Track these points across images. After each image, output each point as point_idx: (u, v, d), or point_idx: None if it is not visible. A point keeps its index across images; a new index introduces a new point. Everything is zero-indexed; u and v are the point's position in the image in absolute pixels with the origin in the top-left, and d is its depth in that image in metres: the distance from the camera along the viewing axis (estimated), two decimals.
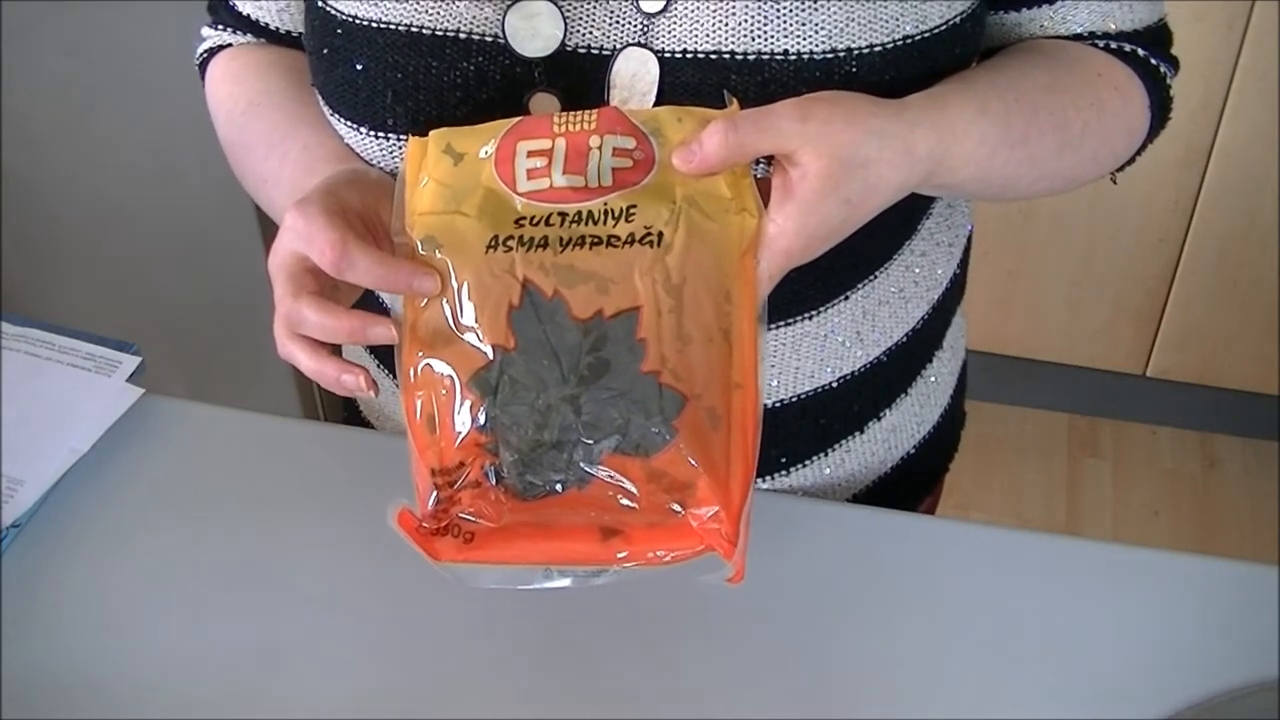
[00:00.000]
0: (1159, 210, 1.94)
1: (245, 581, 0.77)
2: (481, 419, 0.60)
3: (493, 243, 0.61)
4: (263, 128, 0.80)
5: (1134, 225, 1.97)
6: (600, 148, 0.63)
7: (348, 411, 0.99)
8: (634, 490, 0.60)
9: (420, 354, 0.61)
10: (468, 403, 0.60)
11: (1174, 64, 0.82)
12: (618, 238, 0.61)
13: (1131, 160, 0.82)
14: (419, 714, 0.71)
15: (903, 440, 0.89)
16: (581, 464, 0.60)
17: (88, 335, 0.91)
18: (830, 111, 0.62)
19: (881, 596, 0.76)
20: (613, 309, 0.60)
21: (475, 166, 0.63)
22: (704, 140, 0.61)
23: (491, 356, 0.60)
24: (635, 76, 0.69)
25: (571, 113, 0.64)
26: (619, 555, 0.61)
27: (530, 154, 0.63)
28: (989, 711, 0.70)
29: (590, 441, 0.59)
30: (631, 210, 0.61)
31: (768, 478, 0.84)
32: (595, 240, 0.61)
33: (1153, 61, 0.79)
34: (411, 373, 0.61)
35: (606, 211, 0.61)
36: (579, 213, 0.61)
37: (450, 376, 0.60)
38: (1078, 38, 0.78)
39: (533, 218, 0.61)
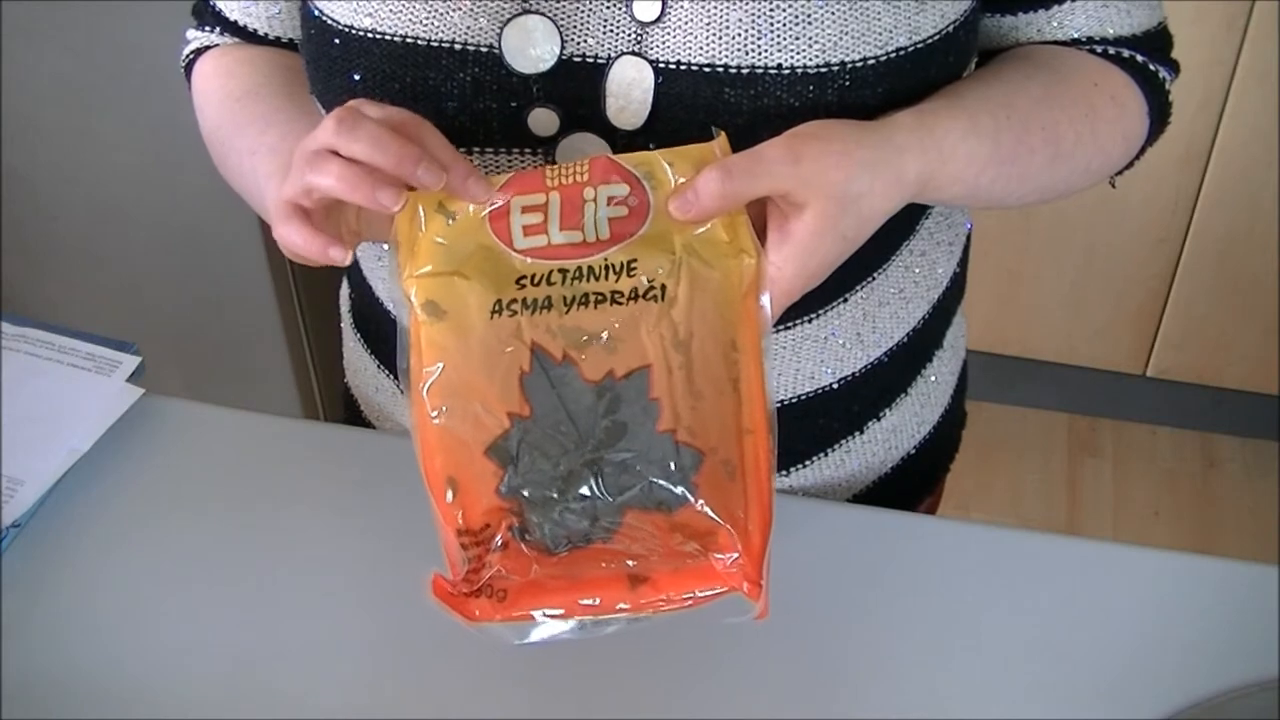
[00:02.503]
0: (1159, 210, 1.94)
1: (245, 581, 0.77)
2: (503, 488, 0.60)
3: (496, 307, 0.61)
4: (263, 109, 0.79)
5: (1134, 225, 1.97)
6: (595, 199, 0.62)
7: (348, 411, 0.99)
8: (657, 540, 0.60)
9: (436, 420, 0.60)
10: (488, 470, 0.60)
11: (1174, 68, 0.81)
12: (621, 294, 0.60)
13: (1130, 165, 0.82)
14: (419, 714, 0.71)
15: (903, 440, 0.89)
16: (604, 521, 0.60)
17: (88, 335, 0.91)
18: (821, 149, 0.62)
19: (881, 596, 0.76)
20: (623, 369, 0.60)
21: (470, 224, 0.63)
22: (699, 190, 0.61)
23: (508, 425, 0.60)
24: (631, 84, 0.69)
25: (564, 164, 0.64)
26: (646, 601, 0.61)
27: (525, 210, 0.63)
28: (989, 711, 0.70)
29: (611, 499, 0.60)
30: (632, 265, 0.61)
31: None
32: (599, 298, 0.61)
33: (1151, 67, 0.79)
34: (428, 439, 0.61)
35: (607, 267, 0.61)
36: (580, 269, 0.61)
37: (468, 444, 0.60)
38: (1075, 43, 0.78)
39: (534, 276, 0.61)
